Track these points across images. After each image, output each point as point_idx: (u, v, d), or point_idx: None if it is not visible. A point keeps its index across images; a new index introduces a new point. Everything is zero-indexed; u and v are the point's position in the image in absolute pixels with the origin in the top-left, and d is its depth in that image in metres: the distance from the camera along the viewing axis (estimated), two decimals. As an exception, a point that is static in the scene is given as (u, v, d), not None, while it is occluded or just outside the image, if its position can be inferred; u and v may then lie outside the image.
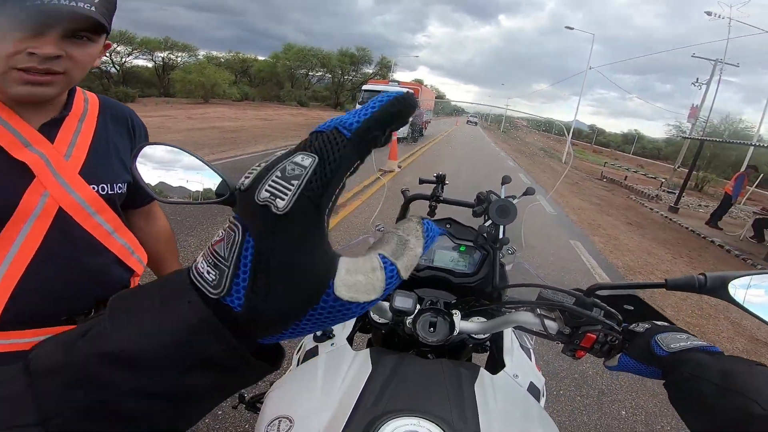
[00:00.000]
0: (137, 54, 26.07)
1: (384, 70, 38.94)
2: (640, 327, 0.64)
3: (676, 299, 3.78)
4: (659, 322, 0.64)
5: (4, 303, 0.68)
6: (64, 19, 0.60)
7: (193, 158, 0.64)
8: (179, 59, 27.96)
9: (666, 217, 8.74)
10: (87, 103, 0.79)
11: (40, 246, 0.69)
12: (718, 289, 0.58)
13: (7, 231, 0.66)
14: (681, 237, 7.15)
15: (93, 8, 0.62)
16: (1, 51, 0.59)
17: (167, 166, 0.64)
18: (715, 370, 0.49)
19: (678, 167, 14.51)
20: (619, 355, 0.64)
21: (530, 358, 0.91)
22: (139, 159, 0.64)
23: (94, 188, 0.75)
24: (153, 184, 0.65)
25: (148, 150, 0.65)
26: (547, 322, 0.69)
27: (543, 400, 0.80)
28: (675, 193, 10.25)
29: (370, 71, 38.35)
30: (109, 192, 0.78)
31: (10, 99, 0.65)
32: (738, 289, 0.57)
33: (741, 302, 0.56)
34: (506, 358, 0.82)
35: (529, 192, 0.90)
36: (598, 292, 0.69)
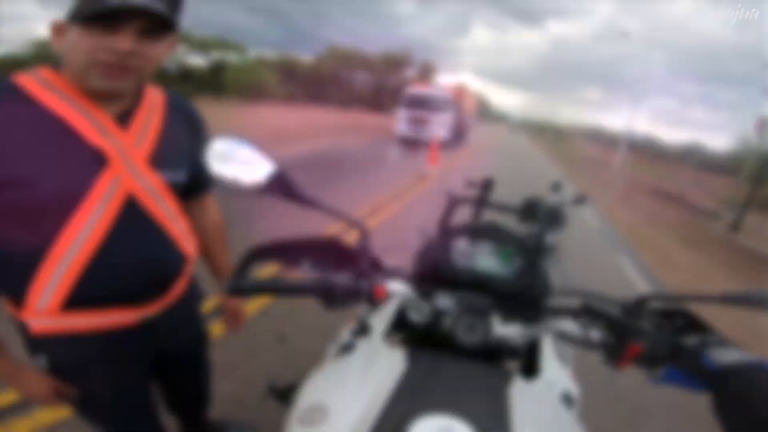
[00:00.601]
0: (193, 52, 27.66)
1: (427, 72, 38.94)
2: (690, 339, 0.61)
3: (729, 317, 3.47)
4: (710, 336, 0.61)
5: (73, 283, 0.73)
6: (140, 17, 0.66)
7: (249, 150, 0.70)
8: (231, 58, 29.41)
9: (725, 236, 8.10)
10: (154, 98, 0.85)
11: (110, 229, 0.74)
12: None
13: (80, 213, 0.71)
14: (740, 257, 6.58)
15: (165, 7, 0.67)
16: (84, 46, 0.66)
17: (230, 156, 0.70)
18: None
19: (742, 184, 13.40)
20: (664, 367, 0.61)
21: (567, 367, 0.89)
22: (209, 150, 0.70)
23: (160, 176, 0.81)
24: (218, 171, 0.71)
25: (216, 143, 0.71)
26: (590, 331, 0.68)
27: (577, 409, 0.79)
28: (736, 211, 9.47)
29: (413, 74, 38.44)
30: (173, 180, 0.84)
31: (90, 91, 0.72)
32: None
33: None
34: (542, 365, 0.81)
35: (580, 200, 0.87)
36: (647, 304, 0.66)
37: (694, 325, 0.69)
